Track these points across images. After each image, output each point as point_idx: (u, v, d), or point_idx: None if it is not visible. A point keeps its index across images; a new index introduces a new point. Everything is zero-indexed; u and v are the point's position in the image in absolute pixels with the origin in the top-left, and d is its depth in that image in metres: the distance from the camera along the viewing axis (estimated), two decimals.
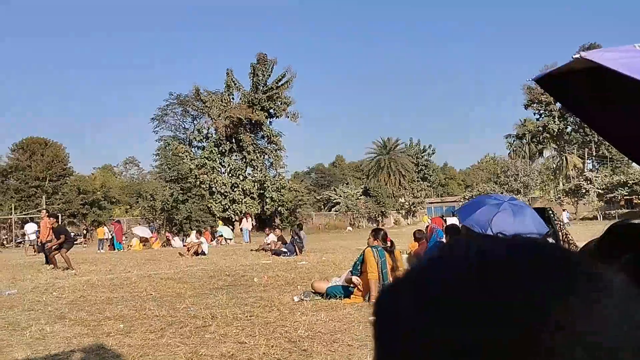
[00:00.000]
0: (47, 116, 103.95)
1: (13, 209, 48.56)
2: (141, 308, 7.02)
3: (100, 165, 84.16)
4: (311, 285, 8.07)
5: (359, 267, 7.61)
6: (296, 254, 17.02)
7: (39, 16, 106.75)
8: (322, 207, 63.14)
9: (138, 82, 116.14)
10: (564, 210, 43.04)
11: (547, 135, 63.80)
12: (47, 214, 16.05)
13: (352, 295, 7.52)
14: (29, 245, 27.71)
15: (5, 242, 42.32)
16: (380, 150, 73.77)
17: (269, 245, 19.08)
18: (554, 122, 62.12)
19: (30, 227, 27.93)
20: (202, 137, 50.24)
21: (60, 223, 14.90)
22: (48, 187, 54.85)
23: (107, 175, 74.63)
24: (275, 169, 49.94)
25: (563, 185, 61.83)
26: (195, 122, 52.84)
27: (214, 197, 46.30)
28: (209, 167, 47.05)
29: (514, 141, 68.50)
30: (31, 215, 49.58)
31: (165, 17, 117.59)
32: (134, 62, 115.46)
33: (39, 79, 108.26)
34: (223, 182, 46.73)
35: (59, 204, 53.26)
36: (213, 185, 46.40)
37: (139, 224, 39.55)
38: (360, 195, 59.52)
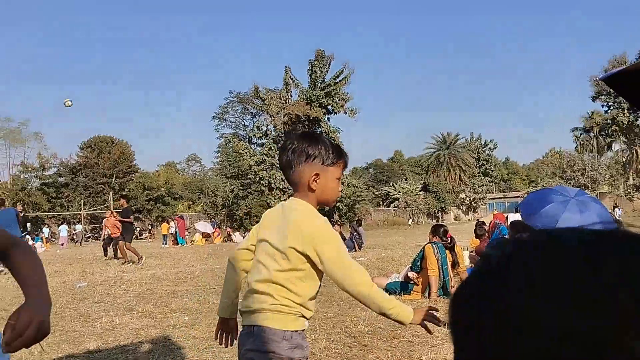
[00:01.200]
0: (113, 115, 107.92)
1: (82, 205, 50.71)
2: (205, 301, 7.22)
3: (164, 162, 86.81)
4: None
5: (418, 264, 7.57)
6: (355, 250, 17.05)
7: (108, 22, 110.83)
8: (381, 202, 62.87)
9: (199, 81, 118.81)
10: (616, 206, 41.18)
11: (616, 128, 61.23)
12: (120, 197, 16.67)
13: (411, 292, 7.48)
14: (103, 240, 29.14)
15: (74, 236, 44.26)
16: (440, 145, 72.72)
17: None
18: (624, 114, 59.54)
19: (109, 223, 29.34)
20: (261, 134, 50.93)
21: (129, 209, 15.56)
22: (115, 183, 56.98)
23: (171, 172, 76.83)
24: None
25: (633, 179, 59.22)
26: (254, 119, 53.71)
27: (273, 192, 46.88)
28: (268, 164, 47.67)
29: (581, 134, 66.11)
30: (100, 211, 51.68)
31: (225, 17, 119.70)
32: (197, 61, 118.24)
33: (106, 79, 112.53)
34: (282, 179, 47.24)
35: (113, 201, 55.30)
36: (272, 181, 46.99)
37: (201, 220, 40.56)
38: (420, 191, 58.92)
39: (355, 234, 18.16)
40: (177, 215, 41.29)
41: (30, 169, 55.60)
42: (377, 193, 65.34)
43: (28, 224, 36.20)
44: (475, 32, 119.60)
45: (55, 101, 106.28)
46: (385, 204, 61.46)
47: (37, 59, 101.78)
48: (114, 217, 16.27)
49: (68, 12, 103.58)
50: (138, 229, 46.90)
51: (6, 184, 53.57)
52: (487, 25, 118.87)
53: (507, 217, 14.18)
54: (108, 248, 18.05)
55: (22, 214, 18.13)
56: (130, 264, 14.04)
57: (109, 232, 17.71)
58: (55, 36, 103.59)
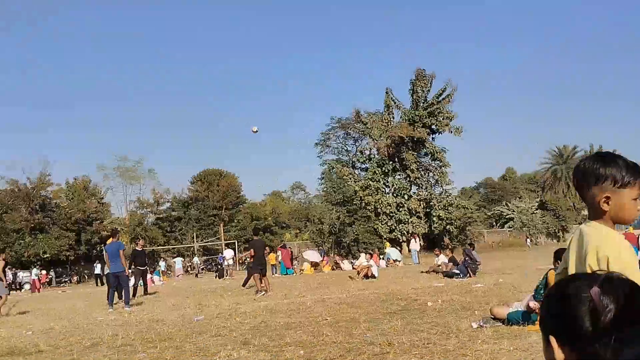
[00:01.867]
0: (220, 148, 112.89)
1: (195, 237, 53.19)
2: (319, 334, 7.28)
3: (270, 192, 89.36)
4: (490, 310, 7.77)
5: (542, 292, 7.20)
6: (469, 276, 16.54)
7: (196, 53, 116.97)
8: (494, 223, 60.77)
9: (300, 108, 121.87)
10: None
11: None
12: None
13: (535, 322, 7.12)
14: (229, 269, 30.52)
15: (189, 268, 46.37)
16: (556, 159, 69.42)
17: (440, 267, 18.77)
18: None
19: (228, 253, 30.66)
20: (364, 159, 51.13)
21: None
22: (224, 215, 59.23)
23: (277, 201, 78.83)
24: (441, 186, 49.16)
25: None
26: (357, 144, 53.99)
27: (380, 218, 46.71)
28: (373, 188, 47.66)
29: None
30: (211, 243, 53.88)
31: (320, 41, 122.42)
32: (295, 89, 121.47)
33: (208, 114, 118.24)
34: (388, 203, 47.01)
35: (234, 231, 57.32)
36: (378, 206, 46.87)
37: (309, 248, 41.15)
38: (536, 210, 56.34)
39: (467, 258, 17.61)
40: (284, 244, 42.27)
41: (145, 205, 59.32)
42: (489, 213, 63.25)
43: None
44: (586, 38, 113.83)
45: (167, 140, 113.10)
46: (498, 224, 59.32)
47: (159, 104, 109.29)
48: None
49: (167, 59, 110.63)
50: (248, 260, 48.39)
51: (124, 220, 57.43)
52: (602, 29, 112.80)
53: (639, 237, 13.23)
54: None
55: (145, 250, 19.45)
56: (262, 293, 14.57)
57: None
58: (172, 84, 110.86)
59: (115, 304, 13.98)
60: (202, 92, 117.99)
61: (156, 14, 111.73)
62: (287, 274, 28.33)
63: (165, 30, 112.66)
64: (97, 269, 36.53)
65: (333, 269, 29.71)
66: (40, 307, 17.15)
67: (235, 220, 60.42)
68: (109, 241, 14.33)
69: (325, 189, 50.50)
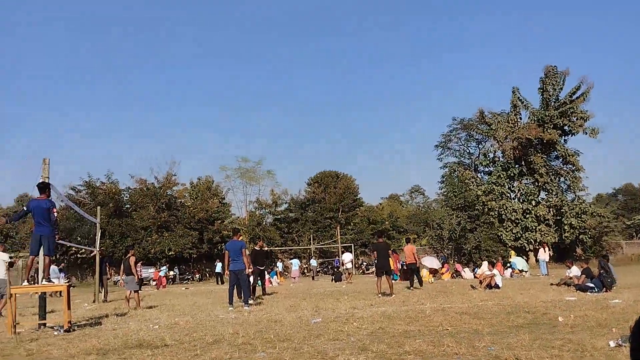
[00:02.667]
0: (337, 149, 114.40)
1: (311, 239, 54.18)
2: (439, 343, 7.16)
3: (387, 195, 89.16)
4: (629, 328, 7.25)
5: None
6: (605, 291, 15.52)
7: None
8: (634, 234, 56.58)
9: (420, 109, 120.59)
10: None
11: None
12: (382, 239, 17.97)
13: None
14: (348, 273, 30.94)
15: (305, 270, 47.33)
16: None
17: (572, 280, 17.78)
18: None
19: (347, 257, 31.04)
20: (488, 162, 49.59)
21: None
22: (341, 218, 59.88)
23: (394, 204, 78.50)
24: (574, 192, 46.52)
25: None
26: (480, 146, 52.50)
27: (504, 224, 45.06)
28: (497, 193, 46.09)
29: None
30: (327, 245, 54.66)
31: (446, 41, 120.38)
32: (416, 89, 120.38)
33: (327, 116, 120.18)
34: (513, 209, 45.24)
35: (351, 234, 57.77)
36: (502, 212, 45.24)
37: (427, 254, 40.56)
38: None
39: (602, 271, 16.52)
40: (402, 249, 41.97)
41: (264, 205, 61.37)
42: (628, 223, 59.05)
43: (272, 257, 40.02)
44: None
45: (285, 142, 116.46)
46: (639, 235, 55.15)
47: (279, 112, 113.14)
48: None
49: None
50: (365, 263, 48.59)
51: (244, 220, 59.78)
52: None
53: None
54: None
55: (266, 249, 20.19)
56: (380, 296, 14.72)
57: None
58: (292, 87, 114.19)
59: (234, 302, 14.58)
60: (321, 96, 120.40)
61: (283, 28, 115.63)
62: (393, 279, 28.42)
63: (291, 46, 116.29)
64: (218, 267, 38.25)
65: (453, 277, 29.13)
66: (165, 302, 18.26)
67: (352, 223, 60.86)
68: (232, 239, 15.01)
69: (445, 193, 49.52)
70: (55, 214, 10.57)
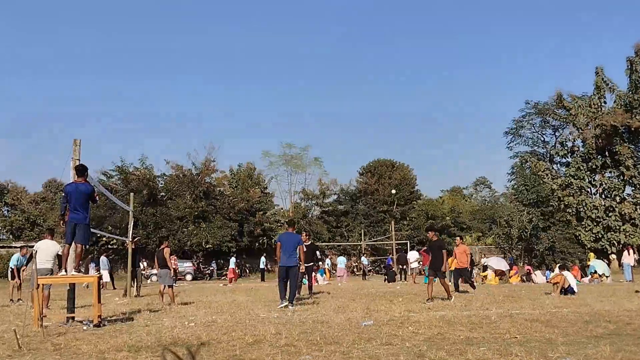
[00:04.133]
0: (392, 136, 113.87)
1: (362, 235, 54.14)
2: (506, 353, 7.05)
3: (449, 188, 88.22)
4: None
5: None
6: None
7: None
8: None
9: (491, 90, 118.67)
10: None
11: None
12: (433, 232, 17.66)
13: None
14: (411, 273, 30.91)
15: (355, 269, 47.42)
16: None
17: None
18: None
19: (413, 255, 30.94)
20: (566, 152, 48.48)
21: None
22: (396, 212, 59.61)
23: (456, 198, 77.64)
24: None
25: None
26: (557, 133, 51.39)
27: (583, 223, 44.04)
28: (575, 187, 45.03)
29: None
30: (380, 242, 54.55)
31: (520, 16, 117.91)
32: (486, 71, 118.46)
33: (382, 100, 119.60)
34: (594, 205, 44.14)
35: (407, 230, 57.45)
36: (581, 209, 44.21)
37: (493, 254, 40.03)
38: None
39: None
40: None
41: (310, 196, 61.64)
42: None
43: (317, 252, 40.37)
44: None
45: (335, 128, 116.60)
46: None
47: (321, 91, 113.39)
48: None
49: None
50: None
51: (287, 212, 60.18)
52: None
53: None
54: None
55: (314, 244, 20.26)
56: (430, 302, 14.62)
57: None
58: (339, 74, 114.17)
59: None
60: (374, 78, 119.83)
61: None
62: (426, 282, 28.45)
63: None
64: (262, 263, 38.54)
65: (522, 281, 28.70)
66: (202, 299, 18.60)
67: (408, 218, 60.52)
68: (287, 231, 14.99)
69: (515, 186, 48.73)
70: (97, 198, 10.94)
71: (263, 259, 39.19)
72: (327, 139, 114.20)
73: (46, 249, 14.22)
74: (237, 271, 44.89)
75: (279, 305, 13.92)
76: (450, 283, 17.39)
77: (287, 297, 14.25)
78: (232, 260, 38.85)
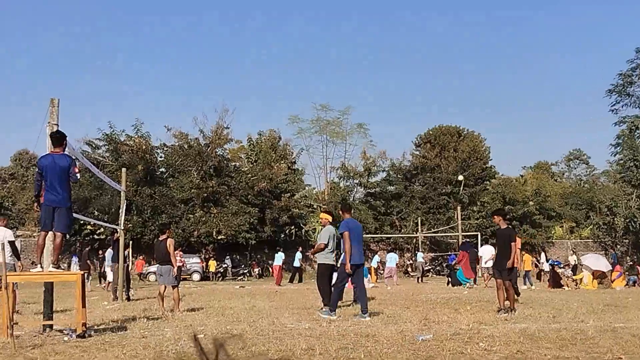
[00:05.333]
0: (458, 99, 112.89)
1: (419, 224, 53.81)
2: None
3: (533, 164, 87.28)
4: None
5: None
6: None
7: None
8: None
9: (589, 34, 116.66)
10: None
11: None
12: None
13: None
14: (482, 274, 30.75)
15: (410, 269, 47.40)
16: None
17: None
18: None
19: (486, 251, 30.40)
20: None
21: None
22: (463, 194, 59.08)
23: (543, 177, 76.74)
24: None
25: None
26: None
27: None
28: None
29: None
30: (442, 234, 54.29)
31: None
32: (582, 7, 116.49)
33: (449, 50, 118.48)
34: None
35: (477, 218, 57.02)
36: None
37: (590, 251, 39.65)
38: None
39: None
40: (552, 241, 41.20)
41: (352, 174, 61.23)
42: None
43: None
44: None
45: (382, 85, 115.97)
46: None
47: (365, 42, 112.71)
48: None
49: None
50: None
51: (322, 194, 59.95)
52: None
53: None
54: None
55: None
56: (506, 313, 14.52)
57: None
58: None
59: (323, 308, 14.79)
60: (436, 16, 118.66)
61: None
62: (465, 284, 29.29)
63: None
64: (297, 261, 38.28)
65: (629, 285, 28.43)
66: (213, 304, 18.83)
67: (479, 203, 60.04)
68: (347, 217, 14.73)
69: (621, 162, 48.03)
70: (78, 173, 10.95)
71: (299, 254, 38.80)
72: (374, 98, 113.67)
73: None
74: (217, 271, 45.33)
75: (330, 316, 13.78)
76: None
77: (323, 308, 14.30)
78: (280, 255, 38.20)
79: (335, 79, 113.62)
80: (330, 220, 16.21)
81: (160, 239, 16.90)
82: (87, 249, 37.91)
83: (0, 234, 14.89)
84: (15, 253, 15.86)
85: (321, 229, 16.80)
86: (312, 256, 15.14)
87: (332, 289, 14.94)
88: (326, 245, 15.72)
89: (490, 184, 63.37)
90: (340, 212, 15.71)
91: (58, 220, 10.64)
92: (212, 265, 46.15)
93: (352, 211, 15.38)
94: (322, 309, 14.99)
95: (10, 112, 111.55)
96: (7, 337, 9.78)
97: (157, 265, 16.94)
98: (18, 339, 9.89)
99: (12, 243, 15.46)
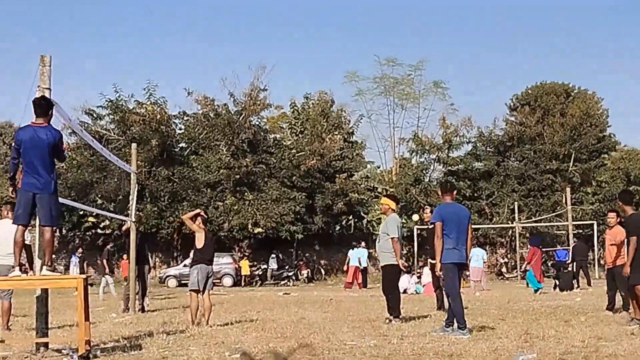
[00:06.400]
0: (565, 47, 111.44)
1: (515, 209, 53.14)
2: None
3: None
4: None
5: None
6: None
7: None
8: None
9: None
10: None
11: None
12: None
13: None
14: None
15: (505, 268, 47.06)
16: None
17: None
18: None
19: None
20: None
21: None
22: (574, 172, 58.38)
23: None
24: None
25: None
26: None
27: None
28: None
29: None
30: (548, 224, 53.76)
31: None
32: None
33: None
34: None
35: (591, 203, 56.30)
36: None
37: None
38: None
39: None
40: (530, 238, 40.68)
41: (428, 147, 60.59)
42: None
43: None
44: None
45: (456, 31, 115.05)
46: None
47: None
48: None
49: None
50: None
51: (389, 174, 59.57)
52: None
53: None
54: None
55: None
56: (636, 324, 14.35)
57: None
58: None
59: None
60: None
61: None
62: (536, 289, 29.17)
63: None
64: (353, 259, 37.91)
65: None
66: (251, 315, 18.92)
67: (595, 182, 59.28)
68: (446, 200, 14.45)
69: None
70: (66, 151, 10.92)
71: (364, 251, 38.37)
72: (454, 50, 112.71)
73: (7, 235, 13.52)
74: (253, 273, 45.46)
75: (458, 334, 13.48)
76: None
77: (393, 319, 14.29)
78: (356, 253, 37.97)
79: (403, 24, 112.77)
80: (395, 208, 16.14)
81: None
82: (108, 246, 36.41)
83: (11, 230, 14.67)
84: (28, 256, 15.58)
85: (385, 220, 16.76)
86: (398, 260, 14.60)
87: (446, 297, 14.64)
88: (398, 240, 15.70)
89: (609, 157, 62.49)
90: (440, 193, 15.20)
91: (42, 211, 10.55)
92: (245, 266, 46.16)
93: (454, 192, 14.90)
94: (390, 320, 15.00)
95: None
96: None
97: (200, 265, 16.50)
98: None
99: (26, 245, 15.35)
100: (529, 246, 32.62)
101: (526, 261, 31.46)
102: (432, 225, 14.63)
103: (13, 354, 11.07)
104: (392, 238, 15.70)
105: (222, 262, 44.39)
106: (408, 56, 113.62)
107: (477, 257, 35.57)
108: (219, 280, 43.15)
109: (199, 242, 16.24)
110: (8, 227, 13.90)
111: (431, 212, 18.73)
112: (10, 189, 10.89)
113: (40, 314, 11.50)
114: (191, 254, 18.63)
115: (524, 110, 62.53)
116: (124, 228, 24.11)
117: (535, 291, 29.13)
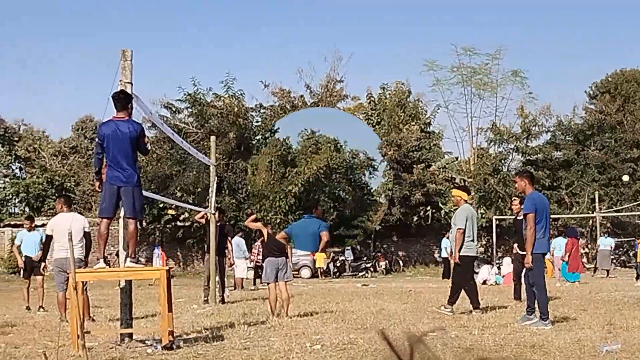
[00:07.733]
0: None
1: (596, 199, 52.37)
2: None
3: None
4: None
5: None
6: None
7: None
8: None
9: None
10: None
11: None
12: None
13: None
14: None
15: (586, 258, 46.38)
16: None
17: None
18: None
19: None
20: None
21: None
22: None
23: None
24: None
25: None
26: None
27: None
28: None
29: None
30: (630, 213, 53.01)
31: None
32: None
33: None
34: None
35: None
36: None
37: None
38: None
39: None
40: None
41: (507, 136, 59.97)
42: None
43: None
44: None
45: (534, 18, 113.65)
46: None
47: None
48: None
49: None
50: None
51: (467, 164, 59.17)
52: None
53: None
54: None
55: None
56: None
57: None
58: None
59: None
60: None
61: None
62: (573, 281, 29.13)
63: None
64: (444, 249, 37.37)
65: None
66: (329, 306, 18.97)
67: None
68: (528, 191, 14.38)
69: None
70: (149, 144, 11.07)
71: (446, 241, 37.62)
72: (533, 38, 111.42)
73: (66, 227, 13.85)
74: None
75: (540, 324, 13.37)
76: None
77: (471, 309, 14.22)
78: (444, 242, 37.43)
79: (481, 12, 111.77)
80: (467, 198, 16.16)
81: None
82: (238, 234, 35.05)
83: (67, 222, 14.82)
84: (88, 247, 15.75)
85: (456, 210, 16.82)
86: (455, 250, 14.73)
87: (531, 289, 14.40)
88: (464, 232, 15.68)
89: None
90: (524, 184, 14.90)
91: (127, 204, 10.77)
92: (320, 258, 45.99)
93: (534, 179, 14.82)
94: (471, 311, 14.97)
95: (70, 69, 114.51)
96: (77, 350, 9.97)
97: (269, 258, 16.72)
98: (91, 351, 10.13)
99: (87, 235, 15.51)
100: (567, 237, 32.07)
101: (566, 252, 30.86)
102: (522, 217, 14.58)
103: (99, 344, 11.22)
104: (458, 229, 15.72)
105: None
106: (485, 45, 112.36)
107: (559, 245, 35.35)
108: (297, 272, 43.18)
109: (265, 237, 17.00)
110: (64, 221, 14.28)
111: (520, 203, 18.60)
112: (97, 183, 11.06)
113: (125, 305, 11.68)
114: None
115: (604, 98, 61.86)
116: (197, 217, 24.40)
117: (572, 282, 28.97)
